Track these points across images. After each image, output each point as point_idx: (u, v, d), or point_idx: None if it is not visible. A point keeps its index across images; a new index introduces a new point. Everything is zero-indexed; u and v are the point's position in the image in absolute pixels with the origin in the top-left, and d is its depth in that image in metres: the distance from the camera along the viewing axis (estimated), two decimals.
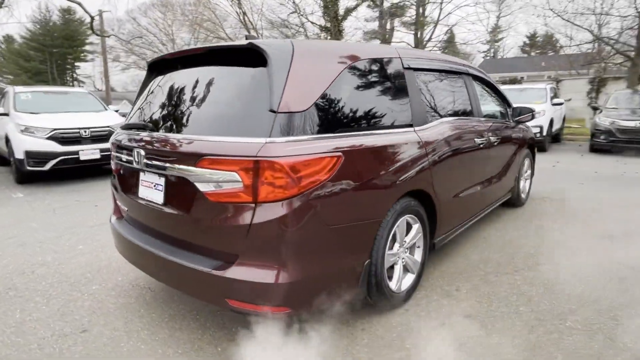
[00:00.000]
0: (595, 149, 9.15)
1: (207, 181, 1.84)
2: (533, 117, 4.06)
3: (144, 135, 2.19)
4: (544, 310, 2.48)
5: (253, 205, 1.77)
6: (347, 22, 23.02)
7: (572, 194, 5.42)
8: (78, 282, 3.02)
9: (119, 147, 2.44)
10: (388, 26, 27.37)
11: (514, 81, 22.32)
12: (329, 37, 22.14)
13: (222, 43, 2.26)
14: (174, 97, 2.24)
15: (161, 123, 2.22)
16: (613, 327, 2.29)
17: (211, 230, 1.90)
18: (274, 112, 1.80)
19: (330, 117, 2.02)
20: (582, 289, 2.74)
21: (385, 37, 24.93)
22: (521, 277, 2.93)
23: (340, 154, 1.95)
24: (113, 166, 2.60)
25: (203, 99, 2.11)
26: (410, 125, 2.54)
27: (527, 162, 4.71)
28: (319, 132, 1.94)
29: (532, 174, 5.05)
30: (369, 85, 2.33)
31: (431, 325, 2.33)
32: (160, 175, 2.12)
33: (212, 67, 2.17)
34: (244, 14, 20.56)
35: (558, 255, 3.32)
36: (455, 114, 3.16)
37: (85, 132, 6.35)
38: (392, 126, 2.40)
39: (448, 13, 27.11)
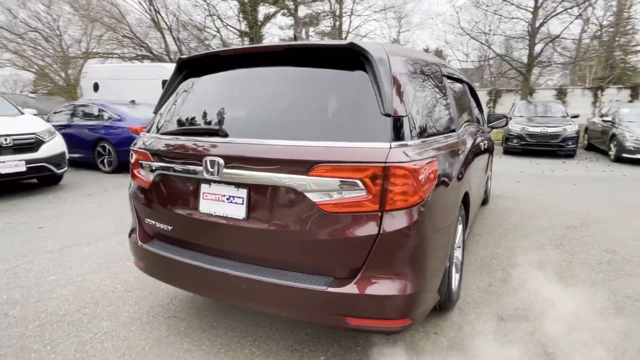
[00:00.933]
0: (509, 151, 10.48)
1: (322, 190, 1.68)
2: (507, 123, 4.50)
3: (221, 141, 1.91)
4: (579, 294, 2.77)
5: (379, 214, 1.66)
6: (265, 28, 22.92)
7: (517, 191, 6.12)
8: (78, 320, 2.50)
9: (164, 156, 2.09)
10: (303, 35, 27.94)
11: None
12: (248, 42, 21.76)
13: (305, 42, 2.09)
14: (252, 98, 2.00)
15: (240, 128, 1.95)
16: None
17: (323, 244, 1.73)
18: (389, 116, 1.73)
19: (420, 121, 2.00)
20: (587, 274, 3.11)
21: None
22: (534, 269, 3.21)
23: (436, 158, 1.94)
24: (145, 179, 2.21)
25: (294, 102, 1.92)
26: (454, 130, 2.63)
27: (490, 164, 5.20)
28: (418, 136, 1.91)
29: (490, 175, 5.58)
30: (431, 90, 2.36)
31: (494, 321, 2.44)
32: (239, 186, 1.87)
33: (293, 67, 1.98)
34: (157, 11, 19.16)
35: (549, 247, 3.71)
36: (466, 119, 3.36)
37: (5, 140, 5.27)
38: (448, 130, 2.46)
39: (357, 26, 28.67)
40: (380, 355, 2.11)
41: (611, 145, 9.44)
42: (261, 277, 1.80)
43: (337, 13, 24.81)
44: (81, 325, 2.44)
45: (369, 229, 1.67)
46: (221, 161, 1.85)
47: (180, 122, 2.19)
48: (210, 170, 1.88)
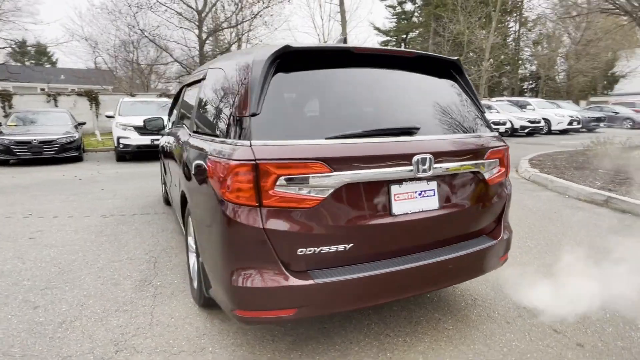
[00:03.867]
0: None
1: (489, 169, 2.22)
2: None
3: (428, 138, 1.96)
4: None
5: (505, 180, 2.40)
6: None
7: None
8: None
9: (353, 162, 1.79)
10: None
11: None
12: None
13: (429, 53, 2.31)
14: (401, 97, 2.16)
15: (420, 124, 2.03)
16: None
17: (488, 210, 2.25)
18: (483, 112, 2.47)
19: None
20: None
21: None
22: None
23: None
24: (308, 197, 1.71)
25: (437, 102, 2.23)
26: None
27: None
28: None
29: None
30: None
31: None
32: (429, 180, 2.01)
33: (419, 74, 2.26)
34: None
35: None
36: None
37: None
38: None
39: None
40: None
41: None
42: (466, 251, 2.09)
43: None
44: None
45: (505, 192, 2.39)
46: (432, 157, 1.94)
47: (345, 123, 1.90)
48: (423, 167, 1.92)
